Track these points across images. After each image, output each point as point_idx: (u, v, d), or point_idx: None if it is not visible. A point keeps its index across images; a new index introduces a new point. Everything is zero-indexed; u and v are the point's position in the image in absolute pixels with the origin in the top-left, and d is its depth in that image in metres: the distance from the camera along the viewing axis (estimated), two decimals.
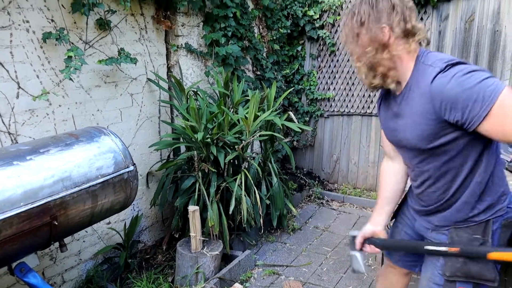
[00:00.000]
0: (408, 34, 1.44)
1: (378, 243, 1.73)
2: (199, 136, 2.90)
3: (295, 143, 4.88)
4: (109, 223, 3.02)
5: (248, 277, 3.10)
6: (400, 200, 1.86)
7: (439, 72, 1.34)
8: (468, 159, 1.44)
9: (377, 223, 1.78)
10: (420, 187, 1.61)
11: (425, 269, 1.65)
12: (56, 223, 1.88)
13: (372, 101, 4.40)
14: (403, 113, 1.51)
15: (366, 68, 1.49)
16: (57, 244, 2.21)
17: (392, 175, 1.80)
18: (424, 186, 1.59)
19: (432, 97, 1.36)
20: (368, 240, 1.76)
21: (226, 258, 3.15)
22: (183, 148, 3.39)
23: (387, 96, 1.64)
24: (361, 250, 1.77)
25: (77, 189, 1.96)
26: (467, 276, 1.49)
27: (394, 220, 1.93)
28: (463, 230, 1.52)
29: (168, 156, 3.47)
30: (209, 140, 2.99)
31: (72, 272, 2.82)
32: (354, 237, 1.79)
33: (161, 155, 3.44)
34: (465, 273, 1.49)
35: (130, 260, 3.04)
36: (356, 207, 4.40)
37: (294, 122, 3.69)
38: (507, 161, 2.71)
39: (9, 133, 2.37)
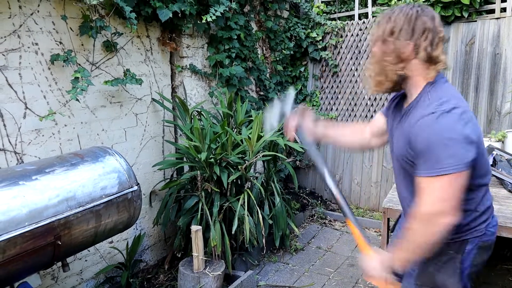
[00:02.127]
0: (431, 61, 1.47)
1: (301, 138, 1.91)
2: (203, 156, 2.92)
3: (298, 163, 4.90)
4: (111, 242, 3.02)
5: None
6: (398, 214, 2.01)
7: (430, 113, 1.40)
8: None
9: (316, 123, 1.96)
10: (400, 195, 1.76)
11: (403, 280, 1.77)
12: (60, 243, 1.90)
13: None
14: (402, 126, 1.58)
15: (378, 71, 1.55)
16: (59, 263, 2.21)
17: (358, 131, 1.96)
18: (400, 196, 1.75)
19: (413, 130, 1.45)
20: (298, 132, 1.93)
21: (228, 278, 3.13)
22: (186, 168, 3.41)
23: (398, 103, 1.69)
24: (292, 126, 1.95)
25: (81, 209, 1.98)
26: (433, 285, 1.64)
27: (392, 232, 2.10)
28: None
29: (172, 175, 3.49)
30: (212, 160, 3.01)
31: None
32: (296, 108, 1.93)
33: (164, 174, 3.46)
34: (432, 282, 1.64)
35: (131, 280, 3.03)
36: None
37: (297, 142, 3.70)
38: (510, 183, 2.71)
39: (15, 153, 2.41)
